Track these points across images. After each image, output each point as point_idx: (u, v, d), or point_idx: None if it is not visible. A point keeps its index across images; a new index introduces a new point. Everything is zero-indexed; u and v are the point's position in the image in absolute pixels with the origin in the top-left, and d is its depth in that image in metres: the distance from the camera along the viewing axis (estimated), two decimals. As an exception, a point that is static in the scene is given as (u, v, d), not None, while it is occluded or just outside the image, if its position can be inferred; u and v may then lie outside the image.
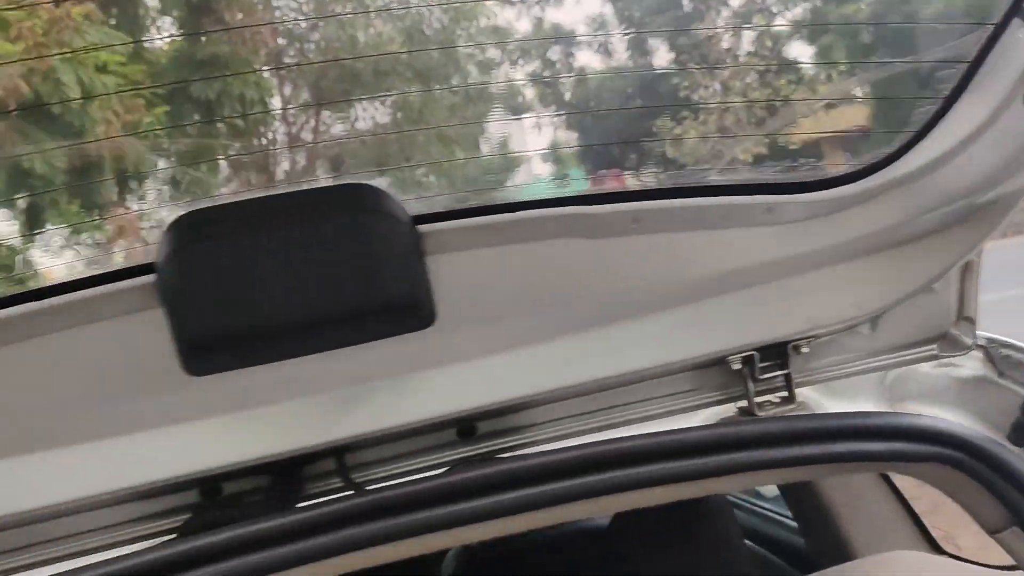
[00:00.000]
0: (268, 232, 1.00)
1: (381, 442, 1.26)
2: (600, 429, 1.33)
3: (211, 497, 1.22)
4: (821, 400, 1.41)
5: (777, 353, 1.30)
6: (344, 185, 1.07)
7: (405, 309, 1.10)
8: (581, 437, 1.32)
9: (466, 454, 1.30)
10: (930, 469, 1.22)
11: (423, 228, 1.09)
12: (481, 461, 1.29)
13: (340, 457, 1.24)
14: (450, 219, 1.12)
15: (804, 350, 1.31)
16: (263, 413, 1.16)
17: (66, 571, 0.95)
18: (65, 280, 1.07)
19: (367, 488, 1.24)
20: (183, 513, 1.22)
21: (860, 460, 1.19)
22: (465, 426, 1.30)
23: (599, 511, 1.36)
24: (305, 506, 1.13)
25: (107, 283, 1.04)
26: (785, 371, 1.30)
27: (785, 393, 1.32)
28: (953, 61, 1.12)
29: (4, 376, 1.04)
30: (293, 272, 1.01)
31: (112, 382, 1.08)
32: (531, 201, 1.18)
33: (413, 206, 1.10)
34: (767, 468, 1.17)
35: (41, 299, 1.03)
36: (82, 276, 1.05)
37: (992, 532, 1.24)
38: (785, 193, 1.19)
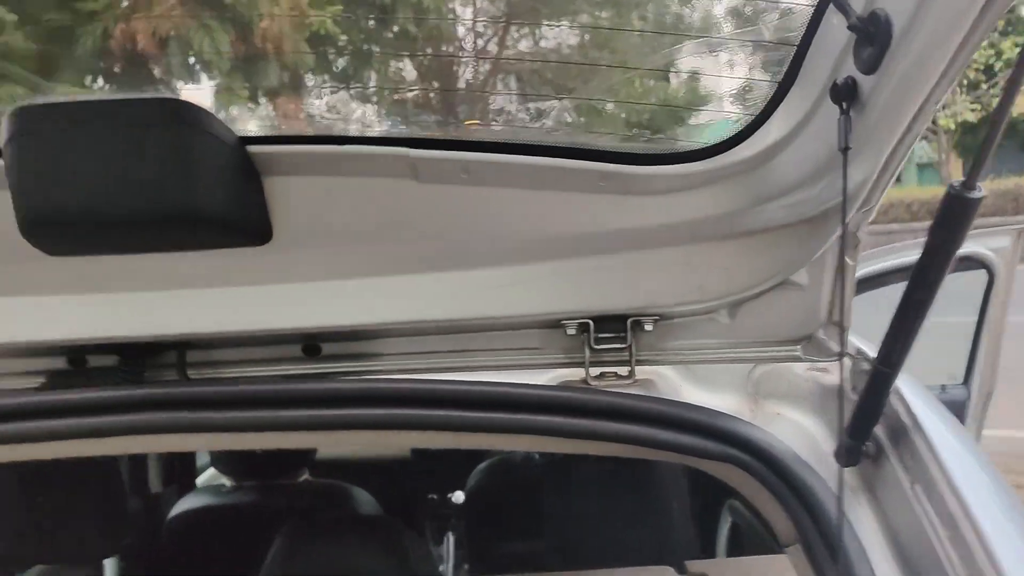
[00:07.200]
0: (86, 133, 1.08)
1: (226, 345, 1.36)
2: (446, 370, 1.36)
3: (77, 365, 1.37)
4: (680, 383, 1.37)
5: (616, 326, 1.27)
6: (163, 99, 1.12)
7: (233, 223, 1.16)
8: (426, 374, 1.36)
9: (309, 371, 1.38)
10: (723, 468, 1.18)
11: (252, 149, 1.15)
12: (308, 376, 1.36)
13: (182, 352, 1.35)
14: (280, 143, 1.17)
15: (648, 327, 1.27)
16: (114, 299, 1.27)
17: None
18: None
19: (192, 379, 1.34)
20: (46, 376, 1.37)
21: (650, 446, 1.17)
22: (310, 344, 1.37)
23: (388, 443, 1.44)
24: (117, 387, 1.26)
25: None
26: (624, 345, 1.28)
27: (628, 368, 1.30)
28: (781, 43, 1.04)
29: None
30: (112, 174, 1.09)
31: None
32: (363, 137, 1.21)
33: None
34: (548, 435, 1.18)
35: None
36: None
37: (783, 546, 1.19)
38: (621, 163, 1.15)
